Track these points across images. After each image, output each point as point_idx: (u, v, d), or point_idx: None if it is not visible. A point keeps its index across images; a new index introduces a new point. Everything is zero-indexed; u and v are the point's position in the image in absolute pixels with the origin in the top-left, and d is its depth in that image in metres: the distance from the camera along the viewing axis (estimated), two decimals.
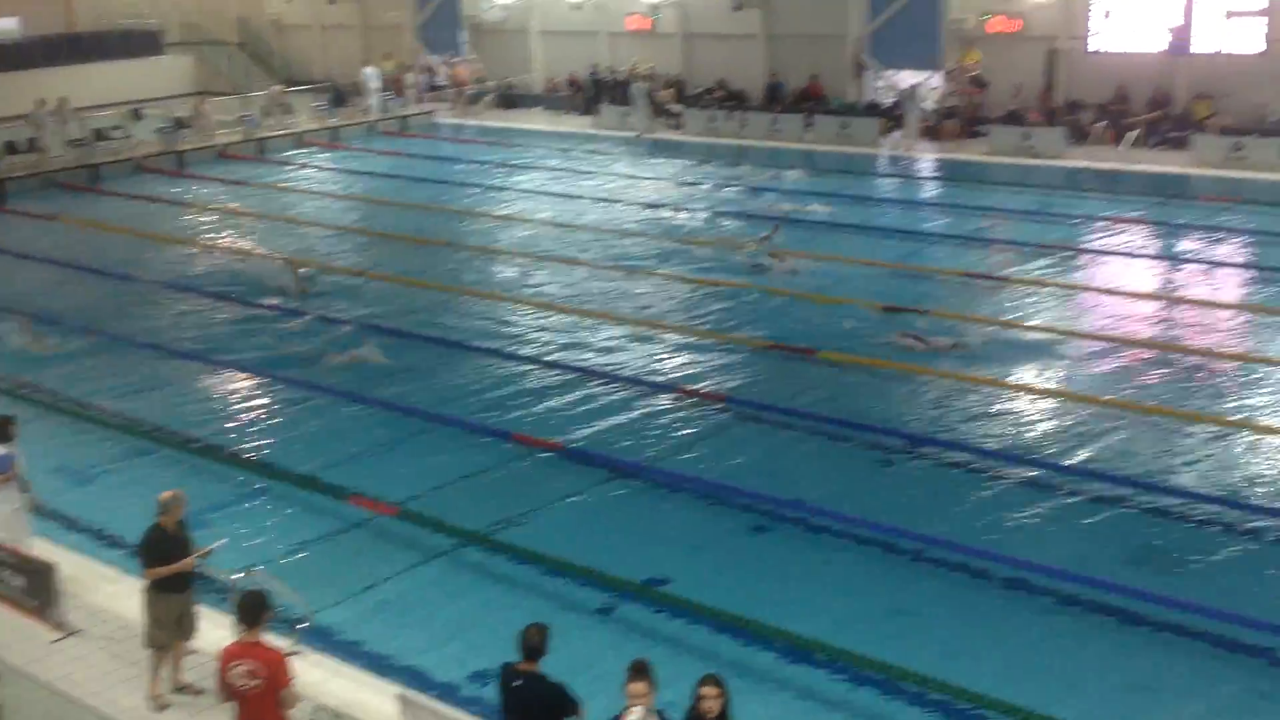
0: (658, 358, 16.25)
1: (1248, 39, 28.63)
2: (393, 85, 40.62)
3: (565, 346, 16.66)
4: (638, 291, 19.40)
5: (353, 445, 13.53)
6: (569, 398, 14.67)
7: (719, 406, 14.34)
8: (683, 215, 25.11)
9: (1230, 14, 28.61)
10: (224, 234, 24.51)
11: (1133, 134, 28.68)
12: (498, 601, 10.19)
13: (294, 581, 9.66)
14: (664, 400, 14.55)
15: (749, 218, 24.37)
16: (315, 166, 32.60)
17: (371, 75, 38.87)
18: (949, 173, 29.51)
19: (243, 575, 9.49)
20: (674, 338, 17.01)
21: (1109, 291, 18.69)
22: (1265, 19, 28.32)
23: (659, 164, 31.57)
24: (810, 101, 35.85)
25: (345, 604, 10.20)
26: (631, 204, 26.33)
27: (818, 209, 24.85)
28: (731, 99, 37.10)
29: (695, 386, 14.92)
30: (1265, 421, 13.35)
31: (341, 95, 39.96)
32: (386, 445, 13.58)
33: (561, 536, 11.26)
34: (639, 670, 6.71)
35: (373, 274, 20.74)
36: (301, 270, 20.29)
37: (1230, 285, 19.51)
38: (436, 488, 12.32)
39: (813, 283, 19.47)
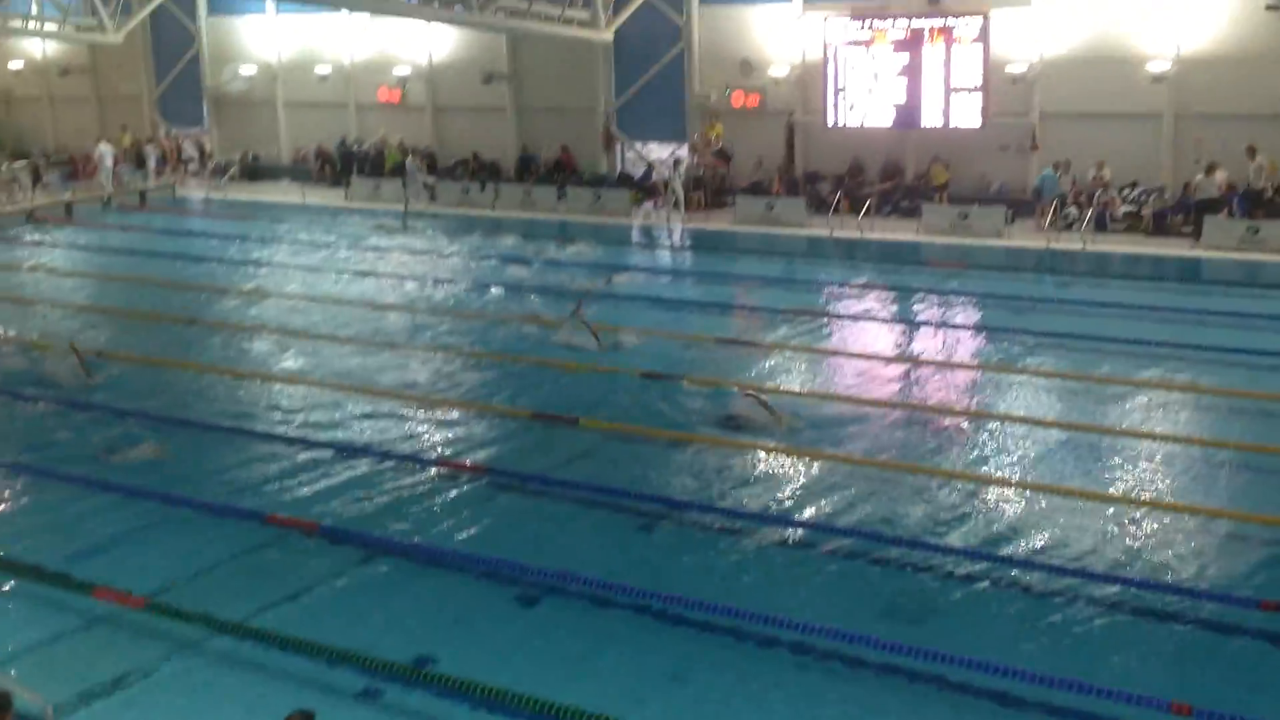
0: (420, 431, 16.03)
1: (968, 115, 30.56)
2: (131, 159, 39.22)
3: (323, 423, 16.23)
4: (398, 365, 19.13)
5: (97, 535, 12.78)
6: (327, 475, 14.27)
7: (482, 478, 14.20)
8: (441, 287, 25.00)
9: (952, 90, 30.50)
10: None
11: (868, 204, 30.12)
12: (255, 691, 9.74)
13: (35, 681, 9.04)
14: (426, 474, 14.32)
15: (510, 288, 24.49)
16: (50, 244, 31.03)
17: (106, 151, 37.42)
18: (699, 242, 30.32)
19: None
20: (436, 411, 16.81)
21: (852, 354, 19.47)
22: (980, 95, 30.32)
23: (414, 236, 31.35)
24: (562, 173, 36.39)
25: (92, 702, 9.59)
26: (388, 276, 26.06)
27: (573, 278, 25.14)
28: (484, 171, 37.30)
29: (458, 459, 14.76)
30: (1003, 475, 14.07)
31: (76, 169, 38.34)
32: (133, 534, 12.87)
33: (321, 620, 10.87)
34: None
35: (114, 354, 19.78)
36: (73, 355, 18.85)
37: (963, 345, 20.63)
38: (189, 576, 11.73)
39: (568, 351, 19.61)
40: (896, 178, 32.29)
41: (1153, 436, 15.19)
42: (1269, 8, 26.81)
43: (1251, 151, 27.66)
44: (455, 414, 16.69)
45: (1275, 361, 18.17)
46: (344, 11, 37.44)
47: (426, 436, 15.85)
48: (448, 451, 15.12)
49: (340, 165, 39.27)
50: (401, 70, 39.02)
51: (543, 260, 27.82)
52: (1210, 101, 28.66)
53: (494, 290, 24.61)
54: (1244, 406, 16.29)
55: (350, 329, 21.43)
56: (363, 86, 40.13)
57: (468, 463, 14.65)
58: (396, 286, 25.20)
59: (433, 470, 14.42)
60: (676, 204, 32.29)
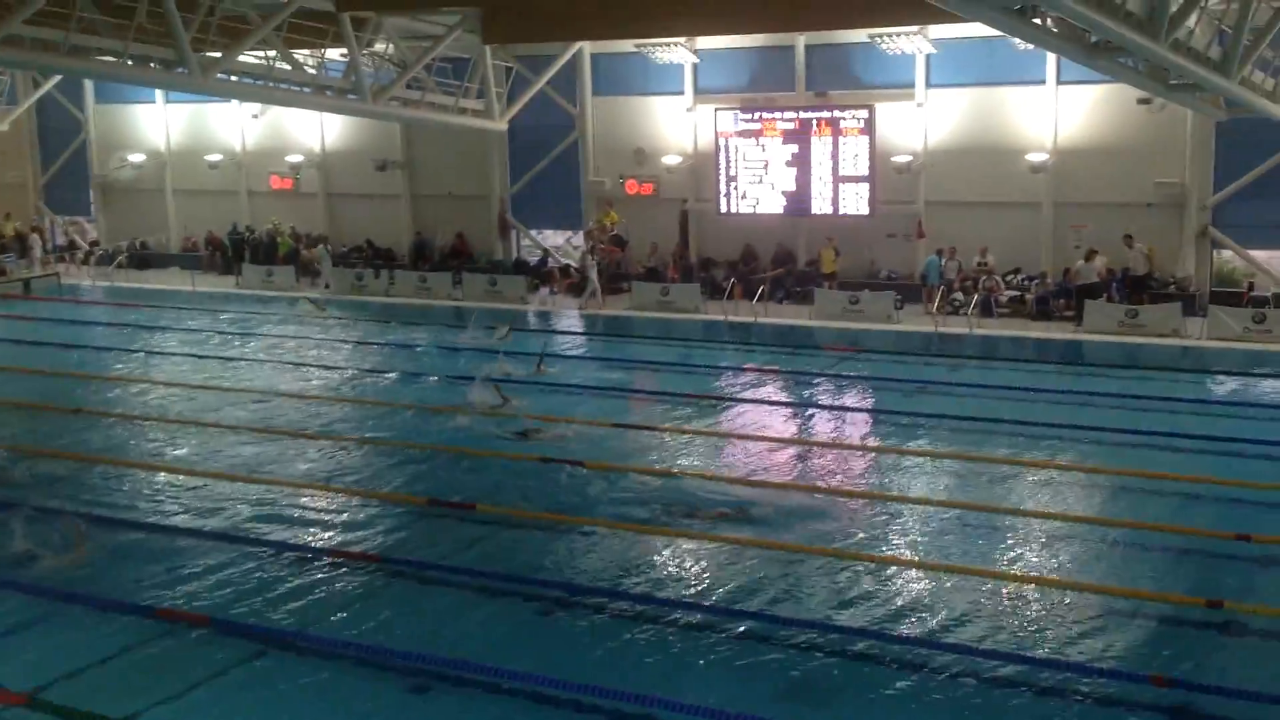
0: (314, 520, 15.75)
1: (857, 203, 31.28)
2: (15, 246, 38.42)
3: (215, 513, 15.86)
4: (292, 453, 18.81)
5: None
6: (219, 567, 13.91)
7: (377, 567, 13.97)
8: (336, 373, 24.74)
9: (840, 180, 31.22)
10: None
11: (761, 289, 30.55)
12: None
13: None
14: (320, 564, 14.04)
15: (405, 374, 24.34)
16: None
17: None
18: (597, 328, 30.45)
19: None
20: (330, 499, 16.53)
21: (749, 437, 19.61)
22: (867, 184, 31.09)
23: (308, 323, 31.03)
24: (458, 259, 36.42)
25: None
26: (282, 364, 25.73)
27: (471, 363, 25.07)
28: (378, 257, 37.19)
29: (352, 548, 14.50)
30: (897, 554, 14.22)
31: None
32: (17, 629, 12.41)
33: (211, 715, 10.58)
34: None
35: None
36: None
37: (856, 428, 20.91)
38: (72, 673, 11.32)
39: (467, 436, 19.50)
40: (789, 264, 32.85)
41: (1040, 515, 15.47)
42: (1140, 101, 27.97)
43: (1129, 240, 28.69)
44: (349, 502, 16.43)
45: (1155, 441, 18.68)
46: (235, 100, 37.30)
47: (321, 525, 15.57)
48: (342, 540, 14.86)
49: (230, 252, 38.87)
50: (294, 157, 38.89)
51: (439, 346, 27.71)
52: (1087, 191, 29.75)
53: (389, 376, 24.41)
54: (1127, 485, 16.69)
55: (243, 417, 21.06)
56: (255, 173, 39.92)
57: (362, 551, 14.41)
58: (291, 373, 24.87)
59: (326, 560, 14.15)
60: (594, 292, 32.45)
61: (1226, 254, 29.73)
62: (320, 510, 16.12)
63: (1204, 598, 12.46)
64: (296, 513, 15.98)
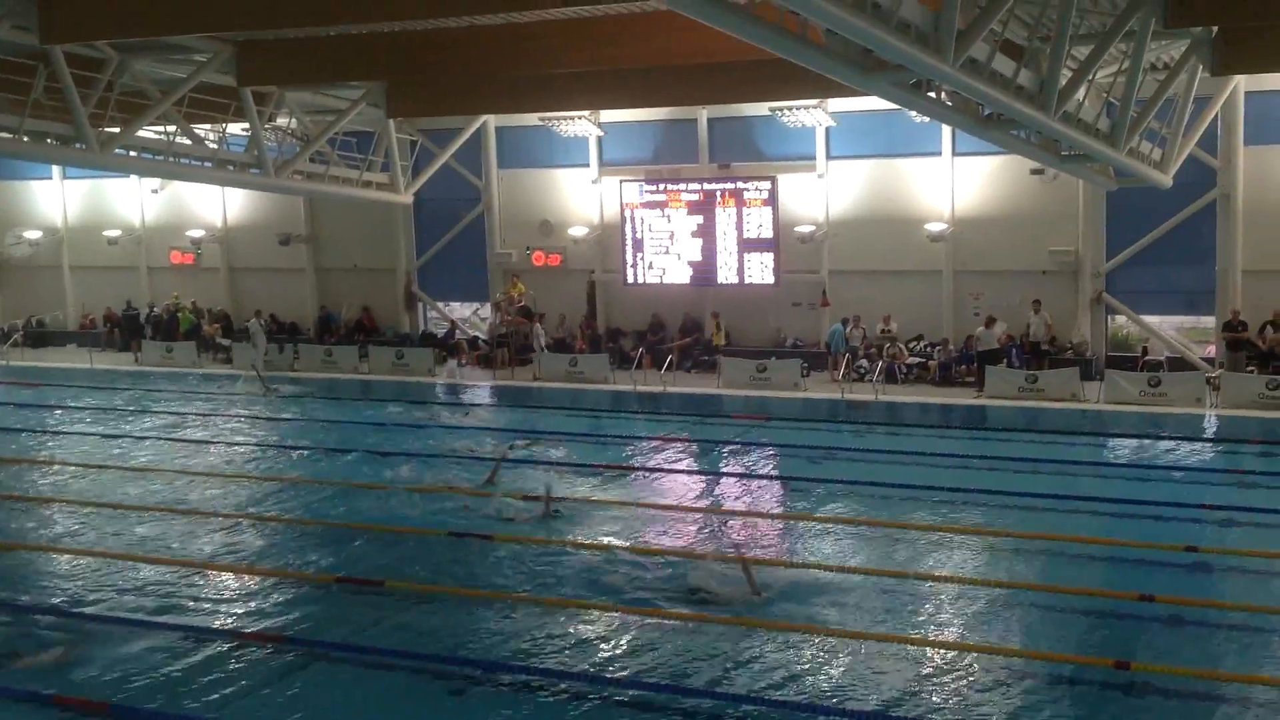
0: (217, 600, 15.31)
1: (762, 272, 31.69)
2: None
3: (115, 595, 15.36)
4: (193, 532, 18.34)
5: None
6: (119, 650, 13.48)
7: (284, 647, 13.63)
8: (241, 450, 24.32)
9: (745, 250, 31.62)
10: None
11: (669, 359, 30.71)
12: None
13: None
14: (225, 646, 13.65)
15: (311, 449, 24.02)
16: None
17: None
18: (505, 399, 30.36)
19: None
20: (235, 579, 16.11)
21: (658, 506, 19.54)
22: (772, 254, 31.52)
23: (213, 400, 30.52)
24: (364, 333, 36.19)
25: None
26: (182, 442, 25.21)
27: (377, 436, 24.80)
28: (283, 332, 36.82)
29: (258, 629, 14.15)
30: (804, 621, 14.20)
31: None
32: None
33: None
34: None
35: None
36: None
37: (765, 495, 20.96)
38: None
39: (375, 510, 19.23)
40: (696, 333, 33.10)
41: (945, 579, 15.59)
42: (1033, 172, 28.79)
43: (1036, 305, 29.39)
44: (255, 581, 16.03)
45: (1058, 504, 18.97)
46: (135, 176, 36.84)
47: (225, 605, 15.17)
48: (247, 621, 14.48)
49: (128, 329, 38.21)
50: (195, 232, 38.47)
51: (345, 420, 27.39)
52: (985, 259, 30.47)
53: (296, 453, 24.06)
54: (1031, 547, 16.91)
55: (145, 496, 20.55)
56: (155, 249, 39.42)
57: (268, 631, 14.06)
58: (194, 451, 24.38)
59: (232, 641, 13.78)
60: (479, 361, 32.33)
61: (1121, 319, 30.56)
62: (225, 590, 15.72)
63: (1111, 658, 12.62)
64: (200, 593, 15.56)
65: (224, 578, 16.18)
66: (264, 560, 16.97)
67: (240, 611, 14.88)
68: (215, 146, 29.06)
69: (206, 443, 25.14)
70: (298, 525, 18.75)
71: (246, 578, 16.18)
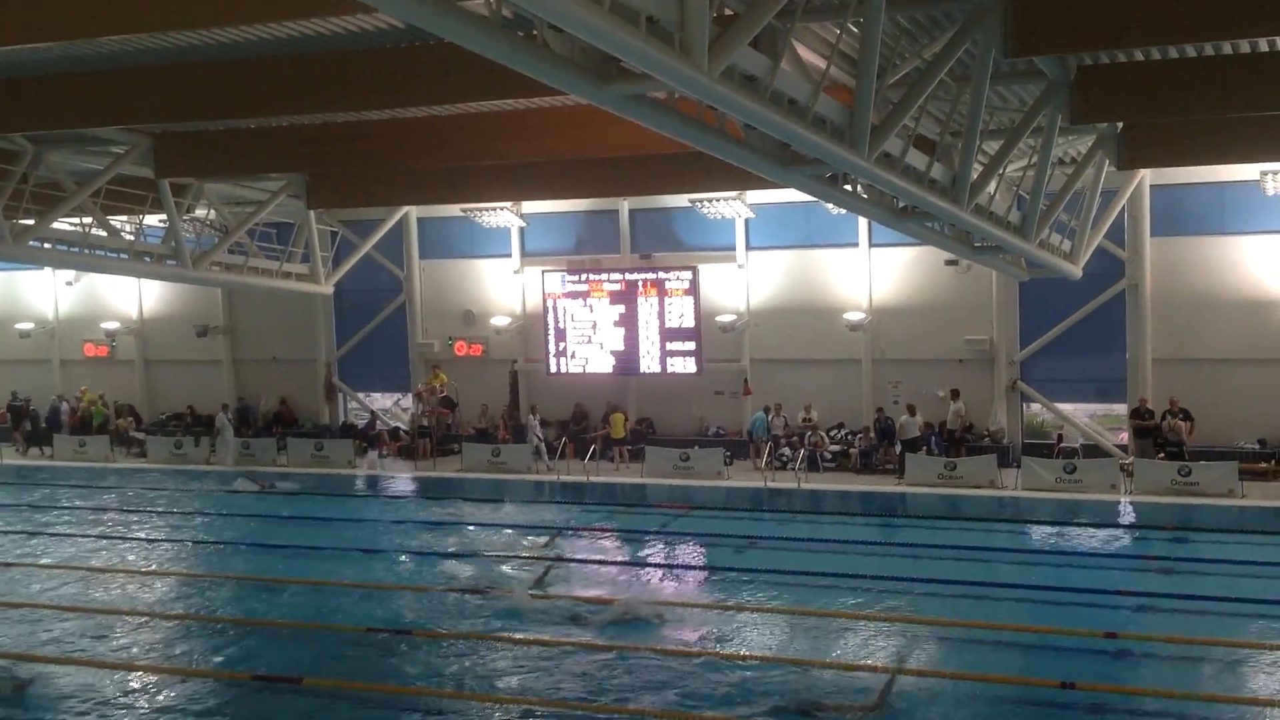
0: (130, 703, 14.85)
1: (684, 362, 31.87)
2: None
3: (23, 696, 14.88)
4: (107, 631, 17.80)
5: None
6: None
7: None
8: (157, 547, 23.78)
9: (667, 337, 31.81)
10: None
11: (592, 448, 30.63)
12: None
13: None
14: None
15: (226, 544, 23.53)
16: None
17: None
18: (427, 490, 30.04)
19: None
20: (150, 678, 15.64)
21: (582, 599, 19.28)
22: (694, 343, 31.74)
23: (123, 493, 29.87)
24: (282, 425, 35.74)
25: None
26: (89, 538, 24.59)
27: (302, 532, 24.38)
28: (199, 425, 36.24)
29: None
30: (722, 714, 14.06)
31: None
32: None
33: None
34: None
35: None
36: None
37: (687, 586, 20.78)
38: None
39: (289, 608, 18.83)
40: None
41: (866, 668, 15.53)
42: (948, 263, 29.35)
43: (954, 393, 29.79)
44: (170, 681, 15.57)
45: (976, 591, 19.09)
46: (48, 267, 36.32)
47: (138, 707, 14.70)
48: None
49: (14, 420, 37.40)
50: (110, 324, 37.93)
51: (268, 515, 26.91)
52: (903, 348, 30.91)
53: (210, 547, 23.57)
54: (950, 635, 16.95)
55: (56, 594, 19.94)
56: (68, 341, 38.77)
57: None
58: (107, 547, 23.78)
59: None
60: (401, 451, 32.00)
61: (1036, 407, 31.06)
62: (138, 691, 15.26)
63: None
64: (113, 694, 15.07)
65: (137, 678, 15.69)
66: (179, 659, 16.50)
67: (152, 713, 14.41)
68: (131, 238, 28.76)
69: (116, 539, 24.53)
70: (209, 623, 18.30)
71: (162, 677, 15.70)
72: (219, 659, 16.52)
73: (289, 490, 29.77)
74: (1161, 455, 27.29)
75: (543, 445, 31.71)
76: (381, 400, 37.19)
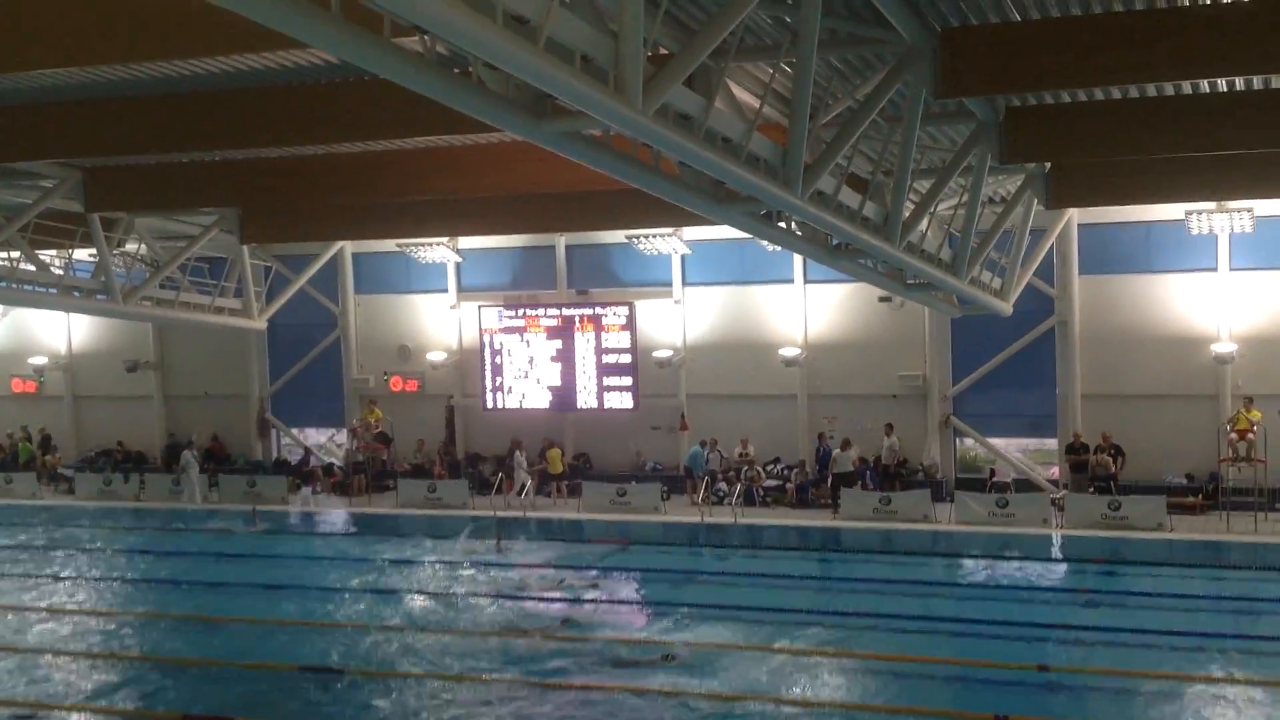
0: None
1: (621, 397, 31.90)
2: None
3: None
4: (30, 672, 17.45)
5: None
6: None
7: None
8: (83, 585, 23.34)
9: (604, 373, 31.84)
10: None
11: (529, 484, 30.51)
12: None
13: None
14: None
15: (160, 583, 23.16)
16: None
17: None
18: (363, 527, 29.76)
19: None
20: (67, 714, 15.36)
21: (514, 632, 19.12)
22: (630, 378, 31.79)
23: (49, 531, 29.31)
24: (214, 461, 35.27)
25: None
26: (13, 577, 24.12)
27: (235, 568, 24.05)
28: (129, 460, 35.69)
29: None
30: None
31: None
32: None
33: None
34: None
35: None
36: None
37: (624, 620, 20.66)
38: None
39: (222, 644, 18.55)
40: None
41: (799, 703, 15.53)
42: (881, 299, 29.65)
43: (889, 429, 30.03)
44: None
45: (910, 625, 19.21)
46: None
47: None
48: None
49: None
50: (38, 359, 37.33)
51: (198, 551, 26.54)
52: (837, 383, 31.13)
53: (137, 586, 23.19)
54: (887, 669, 17.03)
55: None
56: None
57: None
58: (33, 586, 23.33)
59: None
60: (335, 488, 31.67)
61: (969, 442, 31.38)
62: None
63: None
64: None
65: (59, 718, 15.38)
66: (111, 699, 16.19)
67: None
68: (61, 272, 28.35)
69: (43, 578, 24.07)
70: (139, 661, 17.98)
71: (86, 717, 15.40)
72: (153, 697, 16.23)
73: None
74: (1093, 489, 27.65)
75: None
76: (316, 436, 36.85)
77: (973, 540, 26.39)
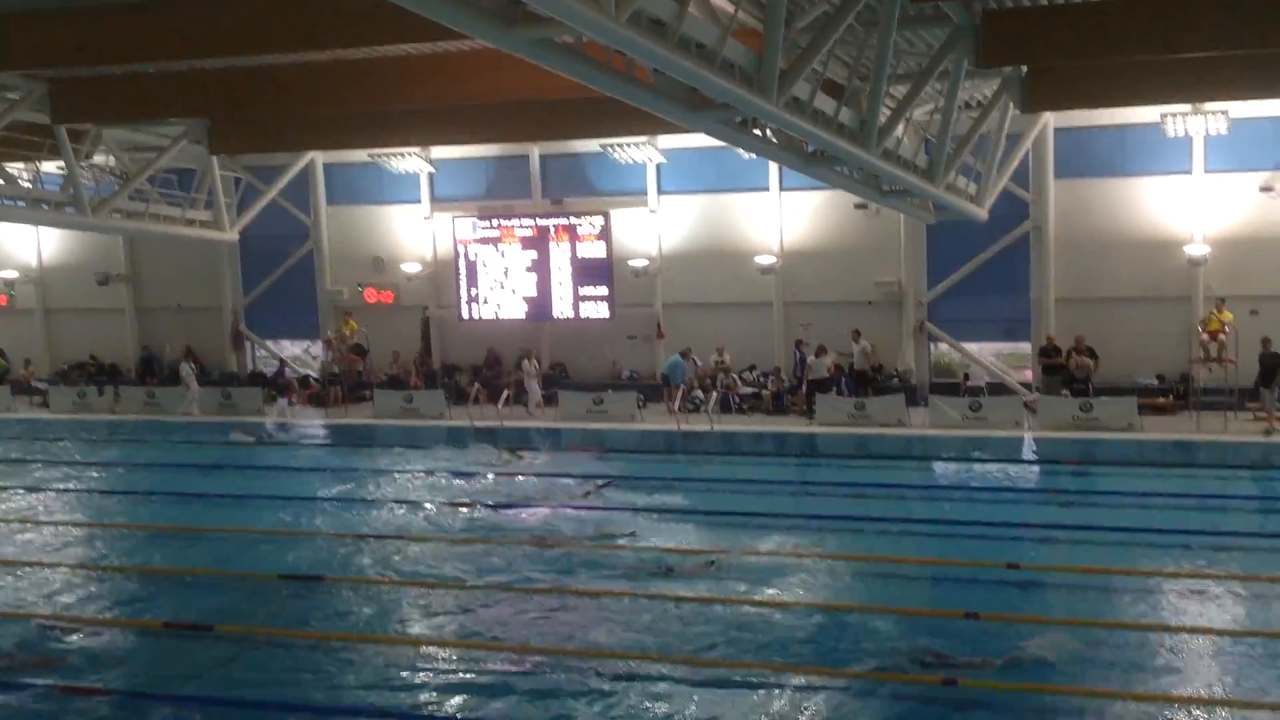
0: (37, 654, 14.64)
1: (596, 307, 31.92)
2: None
3: None
4: (5, 582, 17.57)
5: None
6: None
7: (106, 699, 13.08)
8: (59, 495, 23.39)
9: (579, 282, 31.82)
10: None
11: (506, 394, 30.61)
12: None
13: None
14: (47, 702, 13.06)
15: (134, 493, 23.23)
16: None
17: None
18: (341, 438, 29.86)
19: None
20: (54, 627, 15.43)
21: (492, 541, 19.32)
22: (606, 288, 31.78)
23: (25, 444, 29.31)
24: None
25: None
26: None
27: (203, 478, 24.14)
28: (103, 374, 35.61)
29: (82, 682, 13.56)
30: (640, 650, 14.22)
31: None
32: None
33: None
34: None
35: None
36: None
37: (599, 526, 20.82)
38: None
39: (201, 554, 18.68)
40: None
41: (777, 604, 15.78)
42: (857, 206, 29.65)
43: (856, 335, 30.19)
44: (75, 631, 15.36)
45: (886, 526, 19.48)
46: None
47: (45, 658, 14.50)
48: (69, 674, 13.86)
49: None
50: (8, 273, 37.02)
51: (171, 464, 26.60)
52: (813, 290, 31.21)
53: (115, 498, 23.25)
54: (862, 570, 17.30)
55: None
56: None
57: (89, 685, 13.48)
58: (7, 498, 23.37)
59: (55, 695, 13.16)
60: (312, 399, 31.68)
61: (943, 347, 31.61)
62: (43, 642, 15.07)
63: (939, 676, 12.98)
64: (12, 647, 14.84)
65: (41, 628, 15.45)
66: (84, 609, 16.29)
67: (61, 664, 14.19)
68: (29, 185, 28.01)
69: (18, 488, 24.11)
70: (117, 572, 18.09)
71: (66, 625, 15.48)
72: (134, 607, 16.35)
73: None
74: (1066, 392, 27.94)
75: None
76: (291, 348, 36.80)
77: (946, 443, 26.72)
